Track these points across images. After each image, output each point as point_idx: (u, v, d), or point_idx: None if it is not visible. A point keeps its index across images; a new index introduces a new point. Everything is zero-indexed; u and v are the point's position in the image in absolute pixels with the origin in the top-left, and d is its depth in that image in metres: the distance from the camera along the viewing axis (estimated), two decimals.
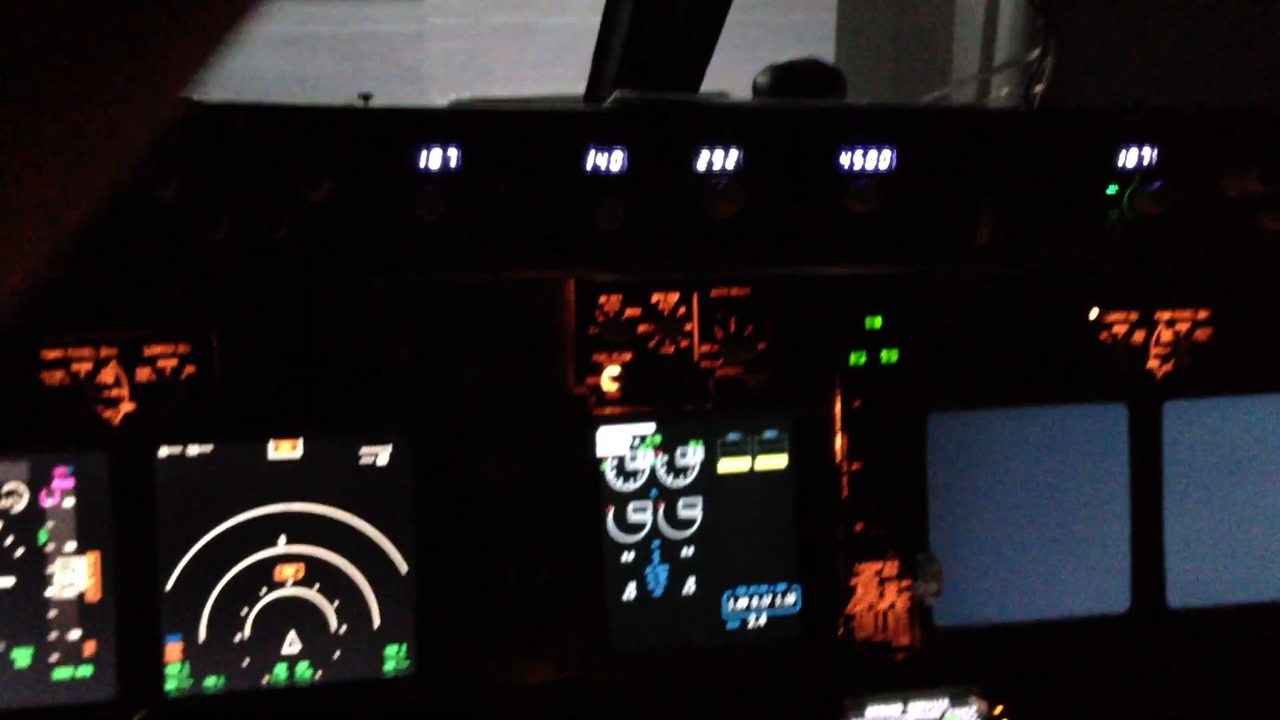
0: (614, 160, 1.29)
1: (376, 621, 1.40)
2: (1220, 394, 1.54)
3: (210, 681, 1.37)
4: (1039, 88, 1.62)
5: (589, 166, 1.29)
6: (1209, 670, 1.55)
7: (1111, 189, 1.39)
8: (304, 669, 1.39)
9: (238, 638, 1.38)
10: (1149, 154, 1.39)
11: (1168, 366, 1.52)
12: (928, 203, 1.36)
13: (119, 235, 1.20)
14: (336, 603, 1.40)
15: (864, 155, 1.34)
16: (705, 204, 1.31)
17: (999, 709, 1.50)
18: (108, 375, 1.32)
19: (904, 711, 1.49)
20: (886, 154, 1.34)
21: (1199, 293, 1.52)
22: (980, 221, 1.34)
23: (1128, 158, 1.39)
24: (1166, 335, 1.52)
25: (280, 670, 1.39)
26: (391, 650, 1.41)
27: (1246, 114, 1.43)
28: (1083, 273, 1.49)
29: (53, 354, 1.31)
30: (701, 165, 1.32)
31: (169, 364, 1.33)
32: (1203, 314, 1.52)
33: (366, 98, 1.37)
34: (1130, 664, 1.53)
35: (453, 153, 1.26)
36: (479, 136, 1.28)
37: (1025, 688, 1.52)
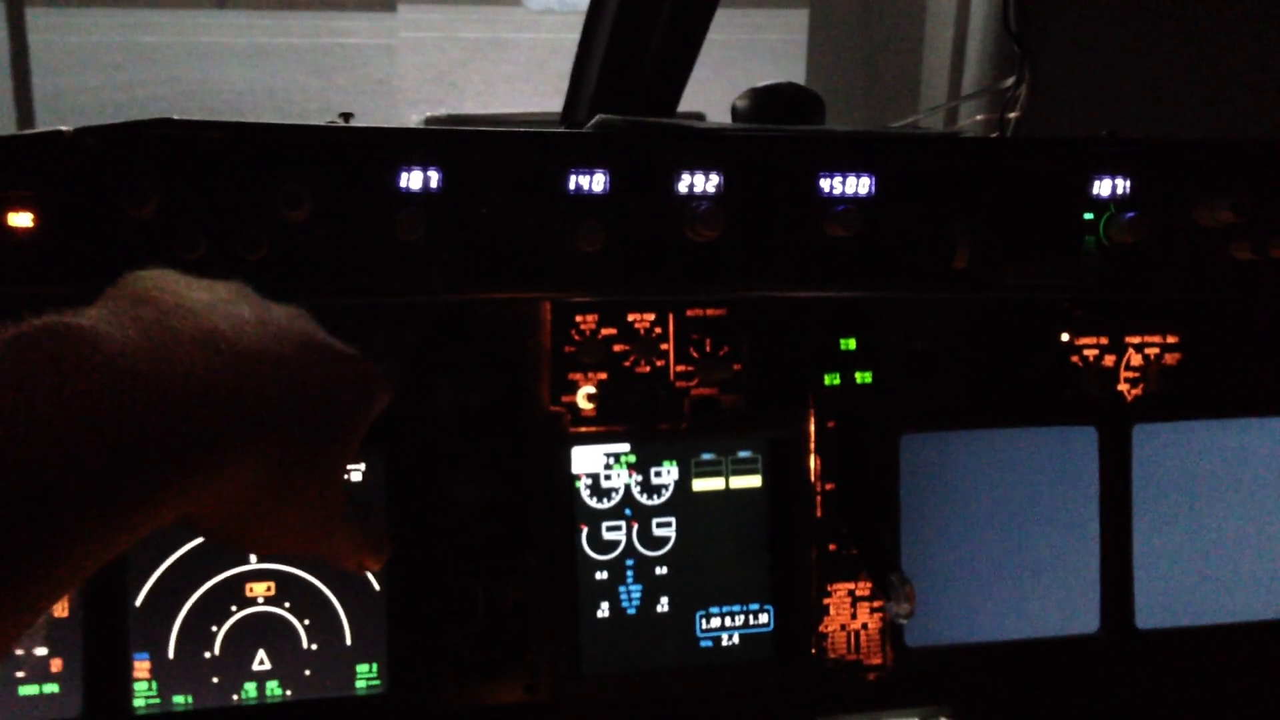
0: (595, 182, 1.30)
1: (348, 639, 1.39)
2: (1189, 418, 1.56)
3: (179, 699, 1.36)
4: (1013, 114, 1.64)
5: (571, 188, 1.30)
6: (1177, 691, 1.57)
7: (1087, 216, 1.41)
8: (274, 687, 1.38)
9: (207, 655, 1.37)
10: (1124, 184, 1.41)
11: (1137, 390, 1.54)
12: (906, 228, 1.37)
13: (94, 255, 1.19)
14: (308, 620, 1.39)
15: (843, 181, 1.35)
16: (686, 227, 1.32)
17: None
18: None
19: None
20: (866, 180, 1.35)
21: (1169, 318, 1.54)
22: (958, 247, 1.36)
23: (1103, 187, 1.41)
24: (1136, 360, 1.54)
25: (250, 688, 1.37)
26: (363, 669, 1.40)
27: (1220, 145, 1.44)
28: (1056, 298, 1.50)
29: None
30: (683, 188, 1.32)
31: None
32: (1172, 339, 1.54)
33: (348, 116, 1.37)
34: (1099, 684, 1.54)
35: (434, 174, 1.26)
36: (461, 157, 1.28)
37: (995, 707, 1.53)
